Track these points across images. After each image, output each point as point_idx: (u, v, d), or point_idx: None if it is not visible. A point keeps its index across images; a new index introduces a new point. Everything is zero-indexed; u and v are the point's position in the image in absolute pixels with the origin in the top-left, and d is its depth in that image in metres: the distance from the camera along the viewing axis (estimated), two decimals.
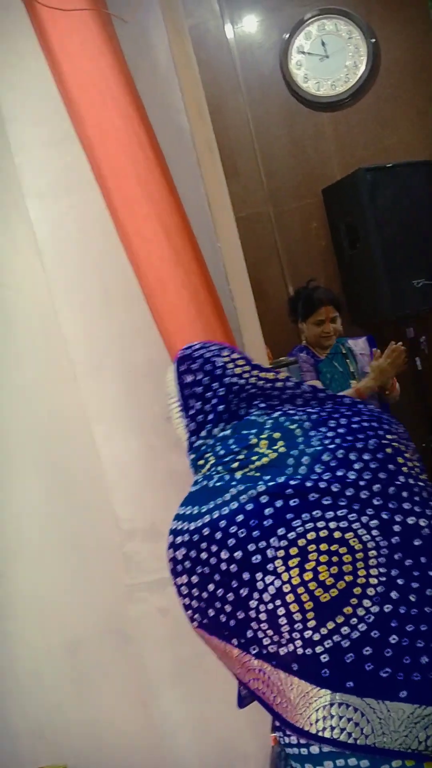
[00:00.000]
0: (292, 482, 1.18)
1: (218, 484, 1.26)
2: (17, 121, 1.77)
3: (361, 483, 1.18)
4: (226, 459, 1.28)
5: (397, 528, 1.15)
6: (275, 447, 1.25)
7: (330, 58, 3.50)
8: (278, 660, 1.14)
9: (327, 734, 1.09)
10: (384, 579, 1.12)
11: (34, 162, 1.77)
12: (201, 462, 1.34)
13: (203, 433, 1.35)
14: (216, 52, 3.47)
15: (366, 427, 1.26)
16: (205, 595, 1.22)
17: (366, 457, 1.21)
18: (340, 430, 1.25)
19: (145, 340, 1.70)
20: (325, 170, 3.55)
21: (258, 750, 1.85)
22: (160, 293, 1.55)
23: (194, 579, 1.24)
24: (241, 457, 1.26)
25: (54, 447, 1.98)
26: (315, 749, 1.13)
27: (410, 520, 1.16)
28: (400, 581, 1.12)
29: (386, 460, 1.22)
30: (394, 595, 1.11)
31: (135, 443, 1.84)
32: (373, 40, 3.48)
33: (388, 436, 1.26)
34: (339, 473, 1.18)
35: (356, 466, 1.20)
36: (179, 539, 1.26)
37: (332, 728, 1.08)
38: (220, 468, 1.28)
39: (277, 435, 1.27)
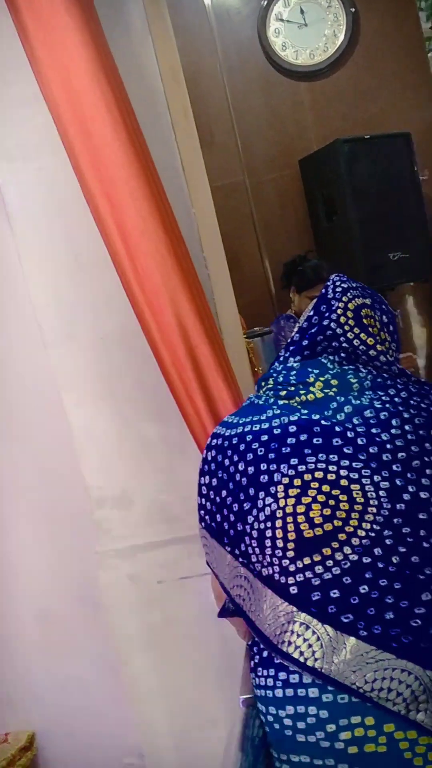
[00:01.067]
0: (323, 422, 1.24)
1: (261, 403, 1.34)
2: None
3: (389, 446, 1.22)
4: (279, 386, 1.35)
5: (406, 496, 1.18)
6: (326, 390, 1.31)
7: (309, 27, 3.46)
8: (261, 578, 1.20)
9: (284, 648, 1.14)
10: (373, 535, 1.14)
11: (2, 123, 1.73)
12: (263, 383, 1.41)
13: (281, 358, 1.42)
14: (193, 17, 3.41)
15: (423, 407, 1.29)
16: (218, 499, 1.28)
17: (407, 428, 1.24)
18: (396, 399, 1.29)
19: (117, 307, 1.68)
20: (303, 141, 3.52)
21: (227, 714, 1.88)
22: (128, 260, 1.53)
23: (214, 481, 1.30)
24: (291, 388, 1.33)
25: (23, 415, 1.96)
26: (279, 692, 1.17)
27: (423, 495, 1.18)
28: (388, 542, 1.14)
29: (426, 438, 1.24)
30: (377, 551, 1.13)
31: (106, 411, 1.83)
32: (353, 10, 3.44)
33: None
34: (373, 431, 1.23)
35: (393, 431, 1.23)
36: (214, 442, 1.34)
37: (289, 643, 1.13)
38: (270, 393, 1.35)
39: (334, 382, 1.32)
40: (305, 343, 1.39)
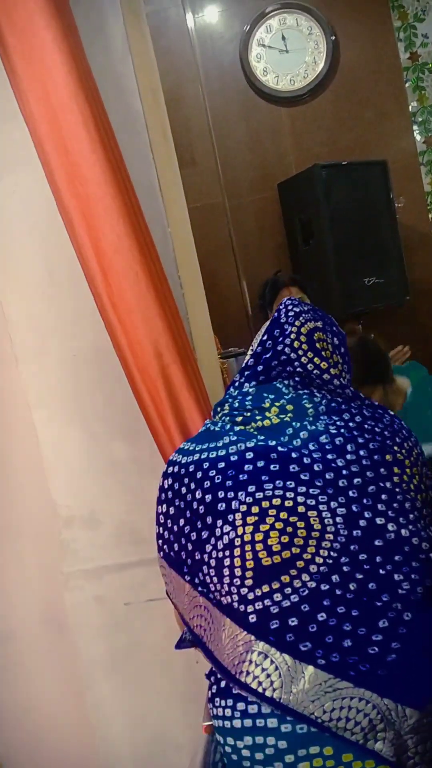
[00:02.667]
0: (280, 448, 1.24)
1: (217, 429, 1.34)
2: None
3: (344, 472, 1.22)
4: (235, 412, 1.35)
5: (362, 522, 1.18)
6: (282, 416, 1.31)
7: (290, 53, 3.50)
8: (220, 607, 1.19)
9: (242, 678, 1.13)
10: (331, 562, 1.14)
11: None
12: (219, 408, 1.42)
13: (236, 384, 1.42)
14: (176, 40, 3.44)
15: (377, 431, 1.31)
16: (175, 528, 1.28)
17: (362, 453, 1.25)
18: (351, 423, 1.30)
19: (91, 324, 1.67)
20: (282, 165, 3.55)
21: (190, 740, 1.85)
22: (102, 278, 1.52)
23: (171, 510, 1.30)
24: (247, 414, 1.33)
25: None
26: (237, 723, 1.16)
27: (379, 521, 1.19)
28: (345, 568, 1.14)
29: (381, 463, 1.25)
30: (335, 578, 1.14)
31: (76, 430, 1.81)
32: (333, 38, 3.49)
33: (396, 448, 1.29)
34: (329, 456, 1.24)
35: (348, 456, 1.24)
36: (170, 469, 1.34)
37: (247, 673, 1.13)
38: (227, 419, 1.36)
39: (290, 407, 1.33)
40: (260, 368, 1.40)
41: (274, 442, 1.25)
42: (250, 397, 1.36)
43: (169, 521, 1.30)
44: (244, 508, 1.19)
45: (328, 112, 3.56)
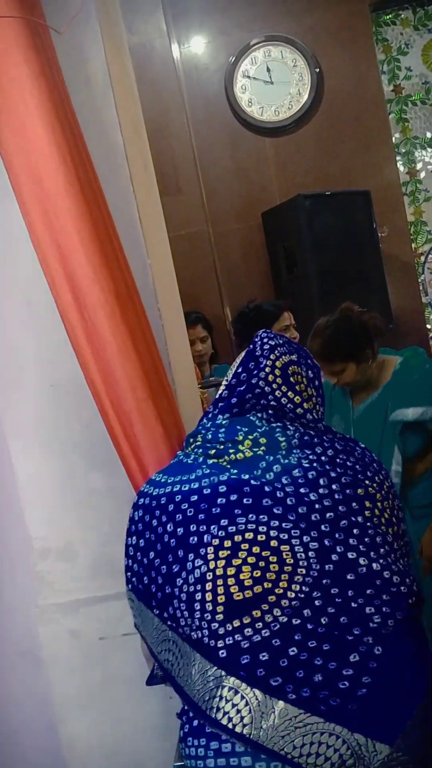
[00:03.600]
0: (253, 482, 1.24)
1: (189, 462, 1.34)
2: None
3: (317, 506, 1.22)
4: (208, 445, 1.35)
5: (334, 557, 1.19)
6: (255, 449, 1.31)
7: (274, 85, 3.54)
8: (190, 643, 1.19)
9: (212, 714, 1.12)
10: (302, 596, 1.14)
11: None
12: (191, 439, 1.41)
13: (210, 415, 1.42)
14: (161, 71, 3.47)
15: (348, 465, 1.31)
16: (145, 561, 1.28)
17: (335, 487, 1.25)
18: (323, 457, 1.30)
19: (69, 354, 1.65)
20: (266, 194, 3.58)
21: None
22: (76, 310, 1.52)
23: (141, 542, 1.30)
24: (220, 447, 1.33)
25: None
26: (211, 762, 1.14)
27: (350, 555, 1.20)
28: (317, 602, 1.14)
29: (353, 497, 1.26)
30: (306, 612, 1.14)
31: (53, 461, 1.80)
32: (317, 70, 3.54)
33: (367, 482, 1.29)
34: (302, 490, 1.23)
35: (321, 491, 1.24)
36: (141, 501, 1.34)
37: (217, 709, 1.12)
38: (200, 451, 1.35)
39: (263, 440, 1.32)
40: (234, 400, 1.39)
41: (247, 476, 1.25)
42: (223, 430, 1.36)
43: (138, 554, 1.30)
44: (216, 541, 1.19)
45: (312, 142, 3.60)
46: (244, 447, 1.31)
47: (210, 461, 1.32)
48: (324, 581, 1.16)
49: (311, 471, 1.26)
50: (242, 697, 1.11)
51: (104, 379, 1.54)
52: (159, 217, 1.86)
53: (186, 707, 1.21)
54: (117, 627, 1.79)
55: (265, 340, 1.44)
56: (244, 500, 1.22)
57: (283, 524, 1.19)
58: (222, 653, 1.14)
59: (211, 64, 3.54)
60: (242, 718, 1.10)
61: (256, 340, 1.45)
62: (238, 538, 1.18)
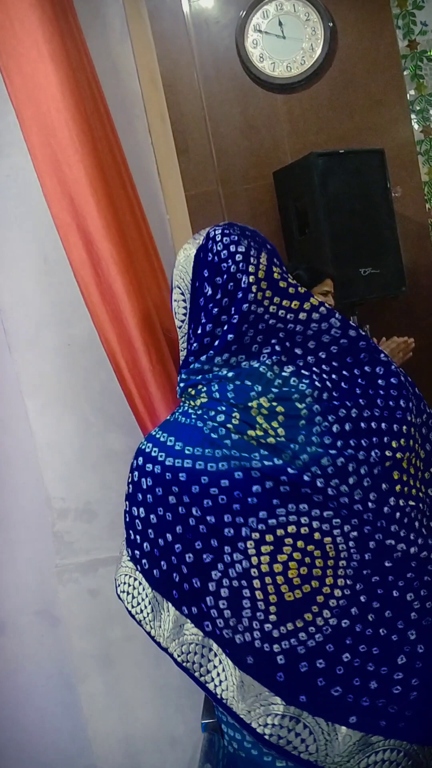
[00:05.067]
0: (289, 470, 1.10)
1: (213, 435, 1.14)
2: None
3: (354, 496, 1.12)
4: (221, 411, 1.14)
5: (372, 545, 1.12)
6: (275, 427, 1.13)
7: (286, 39, 3.45)
8: (232, 648, 1.10)
9: (274, 740, 1.08)
10: (348, 592, 1.09)
11: None
12: (192, 392, 1.21)
13: (203, 357, 1.19)
14: (171, 25, 3.38)
15: (374, 429, 1.15)
16: (161, 542, 1.14)
17: (363, 471, 1.13)
18: (347, 426, 1.14)
19: (86, 312, 1.63)
20: (277, 153, 3.50)
21: (186, 735, 1.83)
22: (89, 266, 1.47)
23: (153, 518, 1.15)
24: (235, 418, 1.13)
25: None
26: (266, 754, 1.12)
27: (388, 542, 1.13)
28: (362, 597, 1.10)
29: (383, 477, 1.14)
30: (353, 611, 1.09)
31: (70, 420, 1.78)
32: (331, 24, 3.44)
33: (394, 444, 1.15)
34: (334, 481, 1.11)
35: (351, 480, 1.12)
36: (149, 467, 1.16)
37: (280, 737, 1.08)
38: (218, 419, 1.14)
39: (280, 409, 1.14)
40: (230, 337, 1.16)
41: (280, 462, 1.11)
42: (231, 386, 1.16)
43: (150, 531, 1.16)
44: (256, 535, 1.09)
45: (325, 99, 3.51)
46: (261, 422, 1.13)
47: (235, 437, 1.13)
48: (364, 572, 1.11)
49: (340, 457, 1.12)
50: (305, 726, 1.08)
51: (119, 339, 1.51)
52: (176, 171, 1.82)
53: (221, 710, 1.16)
54: None
55: (227, 243, 1.19)
56: (281, 488, 1.10)
57: (324, 513, 1.10)
58: (280, 659, 1.08)
59: (222, 18, 3.44)
60: (307, 746, 1.07)
61: (212, 245, 1.20)
62: (280, 532, 1.09)
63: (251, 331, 1.17)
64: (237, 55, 3.45)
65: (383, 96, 3.54)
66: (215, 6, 3.45)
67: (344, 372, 1.19)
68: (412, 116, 3.58)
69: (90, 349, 1.70)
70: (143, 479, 1.17)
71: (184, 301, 1.23)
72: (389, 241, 3.34)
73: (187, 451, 1.14)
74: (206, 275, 1.19)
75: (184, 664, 1.15)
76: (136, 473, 1.19)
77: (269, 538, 1.09)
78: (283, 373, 1.16)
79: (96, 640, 1.84)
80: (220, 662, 1.12)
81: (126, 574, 1.22)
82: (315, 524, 1.10)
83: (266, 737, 1.08)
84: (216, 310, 1.17)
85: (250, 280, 1.16)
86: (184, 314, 1.23)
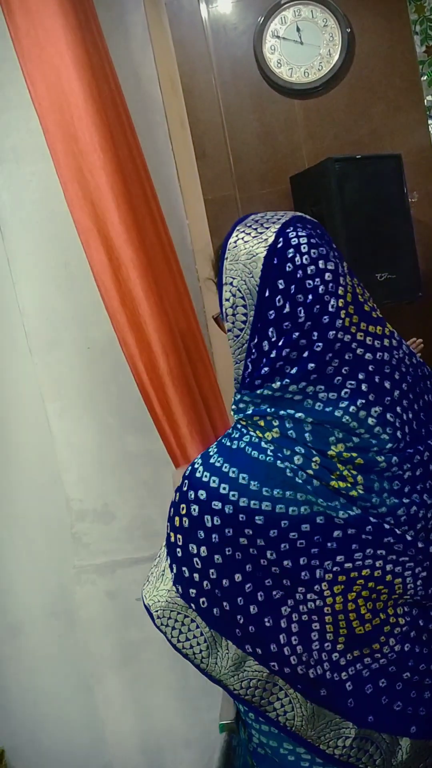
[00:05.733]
0: (371, 518, 1.04)
1: (296, 480, 1.03)
2: None
3: (422, 542, 1.08)
4: (299, 453, 1.03)
5: None
6: (354, 475, 1.04)
7: (304, 45, 3.45)
8: (304, 684, 1.08)
9: (344, 760, 1.10)
10: (409, 619, 1.10)
11: None
12: (260, 422, 1.07)
13: (275, 384, 1.04)
14: (189, 30, 3.40)
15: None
16: (226, 583, 1.06)
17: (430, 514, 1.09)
18: (418, 471, 1.08)
19: (105, 316, 1.64)
20: (294, 158, 3.51)
21: (201, 736, 1.84)
22: (109, 270, 1.48)
23: (217, 558, 1.05)
24: (315, 462, 1.03)
25: (4, 422, 1.92)
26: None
27: None
28: (421, 622, 1.11)
29: None
30: (413, 634, 1.11)
31: (90, 423, 1.80)
32: (349, 30, 3.45)
33: None
34: (404, 528, 1.07)
35: (419, 525, 1.08)
36: (216, 505, 1.03)
37: (350, 756, 1.09)
38: (296, 461, 1.03)
39: (359, 461, 1.04)
40: (311, 366, 1.03)
41: (359, 511, 1.04)
42: (309, 429, 1.04)
43: (212, 570, 1.06)
44: (329, 576, 1.04)
45: (342, 105, 3.52)
46: (342, 469, 1.04)
47: (315, 483, 1.02)
48: (424, 602, 1.11)
49: (413, 506, 1.07)
50: (372, 743, 1.10)
51: (137, 342, 1.52)
52: (195, 176, 1.84)
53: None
54: None
55: (313, 258, 1.03)
56: (363, 536, 1.03)
57: (400, 559, 1.06)
58: (348, 686, 1.08)
59: (240, 24, 3.46)
60: (375, 761, 1.10)
61: (291, 254, 1.04)
62: (354, 574, 1.04)
63: (336, 361, 1.04)
64: (255, 60, 3.46)
65: (400, 101, 3.54)
66: (233, 12, 3.47)
67: (415, 406, 1.11)
68: (430, 122, 3.59)
69: (109, 352, 1.72)
70: (207, 516, 1.04)
71: (245, 307, 1.06)
72: (406, 246, 3.34)
73: (265, 492, 1.02)
74: (282, 287, 1.03)
75: (244, 697, 1.11)
76: (195, 507, 1.05)
77: (341, 578, 1.04)
78: (369, 421, 1.04)
79: (113, 641, 1.85)
80: (286, 695, 1.10)
81: (172, 610, 1.12)
82: (389, 567, 1.06)
83: (336, 757, 1.10)
84: (296, 334, 1.03)
85: (339, 304, 1.03)
86: (244, 322, 1.07)
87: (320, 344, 1.02)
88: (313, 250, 1.04)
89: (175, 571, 1.10)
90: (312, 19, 3.43)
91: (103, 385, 1.77)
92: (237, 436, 1.08)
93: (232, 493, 1.03)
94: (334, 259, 1.06)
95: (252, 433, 1.07)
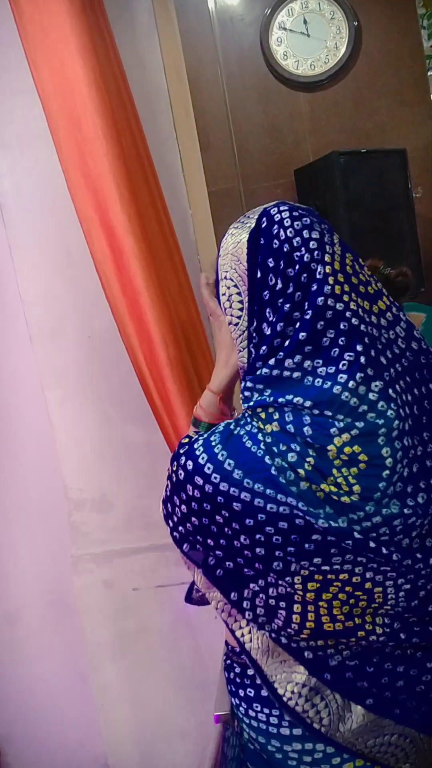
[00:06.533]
0: (355, 534, 1.00)
1: (280, 479, 0.99)
2: None
3: (415, 554, 1.05)
4: (294, 450, 1.00)
5: (422, 593, 1.06)
6: (351, 483, 1.00)
7: (311, 37, 3.44)
8: (263, 630, 1.09)
9: (291, 704, 1.08)
10: (388, 630, 1.08)
11: (1, 111, 1.69)
12: (262, 414, 1.05)
13: (272, 361, 1.03)
14: (196, 21, 3.38)
15: None
16: (200, 538, 1.05)
17: (425, 530, 1.06)
18: (414, 467, 1.04)
19: (107, 305, 1.64)
20: (299, 151, 3.50)
21: (196, 728, 1.84)
22: (111, 259, 1.47)
23: (194, 520, 1.05)
24: (308, 463, 1.00)
25: (4, 410, 1.92)
26: (285, 731, 1.12)
27: None
28: (402, 635, 1.09)
29: None
30: (391, 644, 1.10)
31: (90, 412, 1.79)
32: (356, 23, 3.43)
33: None
34: (402, 541, 1.04)
35: (414, 533, 1.05)
36: (199, 480, 1.02)
37: (297, 704, 1.08)
38: (289, 458, 1.00)
39: (363, 457, 1.00)
40: (302, 336, 1.00)
41: (345, 523, 1.00)
42: (307, 418, 1.01)
43: (188, 525, 1.06)
44: (305, 572, 1.01)
45: (348, 98, 3.50)
46: (337, 474, 1.00)
47: (302, 485, 0.99)
48: (406, 615, 1.08)
49: (411, 517, 1.03)
50: (322, 698, 1.08)
51: (138, 332, 1.52)
52: (199, 166, 1.82)
53: (253, 673, 1.16)
54: (150, 578, 1.80)
55: (298, 228, 1.03)
56: (343, 544, 1.00)
57: (381, 568, 1.03)
58: (307, 654, 1.07)
59: (247, 16, 3.44)
60: (321, 719, 1.08)
61: (275, 228, 1.04)
62: (331, 576, 1.01)
63: (331, 332, 1.00)
64: (261, 52, 3.45)
65: (406, 96, 3.52)
66: (240, 3, 3.45)
67: (415, 391, 1.07)
68: None
69: (110, 342, 1.71)
70: (189, 486, 1.04)
71: (239, 294, 1.07)
72: (409, 241, 3.33)
73: (246, 484, 1.00)
74: (271, 265, 1.03)
75: (220, 613, 1.13)
76: (181, 473, 1.05)
77: (318, 577, 1.02)
78: (370, 395, 1.00)
79: (109, 631, 1.85)
80: (248, 623, 1.10)
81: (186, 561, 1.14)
82: (368, 575, 1.03)
83: (286, 700, 1.09)
84: (288, 306, 1.01)
85: (327, 271, 1.00)
86: (241, 309, 1.07)
87: (309, 311, 1.00)
88: (296, 222, 1.03)
89: (162, 510, 1.12)
90: (319, 11, 3.41)
91: (104, 374, 1.77)
92: (242, 422, 1.07)
93: (214, 475, 1.02)
94: (319, 228, 1.04)
95: (254, 423, 1.05)
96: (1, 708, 2.07)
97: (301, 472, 1.00)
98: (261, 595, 1.05)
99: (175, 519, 1.08)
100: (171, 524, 1.10)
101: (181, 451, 1.08)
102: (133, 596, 1.82)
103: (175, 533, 1.10)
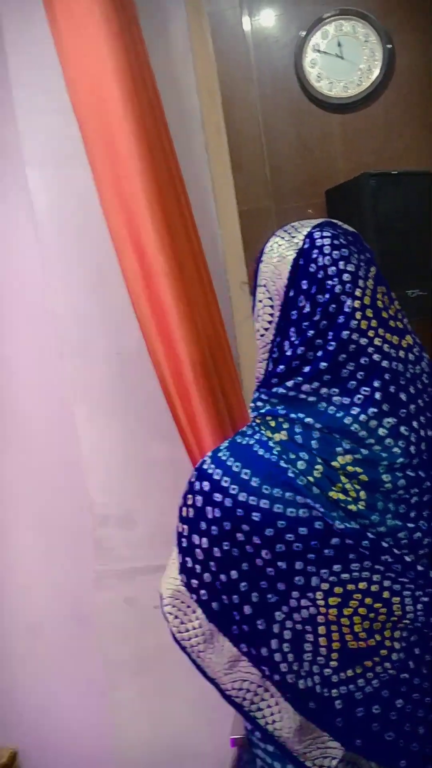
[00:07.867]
0: (369, 535, 1.02)
1: (298, 481, 1.02)
2: (24, 87, 1.72)
3: (421, 567, 1.05)
4: (303, 459, 1.03)
5: None
6: (357, 489, 1.02)
7: (345, 60, 3.46)
8: (294, 693, 1.06)
9: None
10: (405, 644, 1.06)
11: (38, 129, 1.73)
12: (272, 422, 1.07)
13: (289, 383, 1.05)
14: (231, 42, 3.42)
15: None
16: (223, 578, 1.05)
17: None
18: (425, 498, 1.05)
19: (136, 322, 1.65)
20: (330, 172, 3.51)
21: (213, 750, 1.82)
22: (141, 278, 1.49)
23: (216, 551, 1.05)
24: (318, 470, 1.02)
25: (32, 424, 1.93)
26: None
27: None
28: (417, 650, 1.07)
29: None
30: (410, 664, 1.07)
31: (117, 428, 1.80)
32: (389, 46, 3.44)
33: None
34: (404, 551, 1.05)
35: (421, 552, 1.06)
36: (217, 497, 1.03)
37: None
38: (299, 466, 1.03)
39: (363, 478, 1.02)
40: (323, 366, 1.02)
41: (357, 526, 1.02)
42: (317, 436, 1.03)
43: (212, 563, 1.06)
44: (326, 586, 1.02)
45: (380, 120, 3.51)
46: (345, 481, 1.02)
47: (314, 489, 1.01)
48: (425, 630, 1.06)
49: (417, 532, 1.04)
50: None
51: (165, 350, 1.53)
52: (230, 187, 1.84)
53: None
54: None
55: (334, 257, 1.04)
56: (360, 548, 1.02)
57: (400, 578, 1.03)
58: (338, 704, 1.05)
59: (282, 37, 3.47)
60: None
61: (316, 254, 1.05)
62: (350, 587, 1.02)
63: (351, 365, 1.03)
64: (295, 74, 3.48)
65: None
66: (276, 25, 3.48)
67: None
68: None
69: (138, 359, 1.72)
70: (209, 508, 1.04)
71: (271, 307, 1.09)
72: None
73: (264, 490, 1.02)
74: (305, 288, 1.05)
75: (235, 699, 1.11)
76: (199, 498, 1.06)
77: (338, 590, 1.02)
78: (380, 431, 1.02)
79: (129, 648, 1.85)
80: (277, 703, 1.08)
81: (177, 598, 1.13)
82: (387, 583, 1.03)
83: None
84: (312, 332, 1.04)
85: (355, 305, 1.02)
86: (270, 321, 1.09)
87: (333, 343, 1.02)
88: (335, 252, 1.05)
89: (180, 560, 1.11)
90: (353, 34, 3.44)
91: (131, 391, 1.78)
92: (249, 433, 1.09)
93: (232, 486, 1.03)
94: (356, 261, 1.06)
95: (262, 432, 1.08)
96: (20, 721, 2.07)
97: (311, 479, 1.02)
98: (287, 623, 1.04)
99: (194, 565, 1.07)
100: (191, 578, 1.09)
101: (193, 480, 1.08)
102: (154, 614, 1.81)
103: (194, 582, 1.08)
